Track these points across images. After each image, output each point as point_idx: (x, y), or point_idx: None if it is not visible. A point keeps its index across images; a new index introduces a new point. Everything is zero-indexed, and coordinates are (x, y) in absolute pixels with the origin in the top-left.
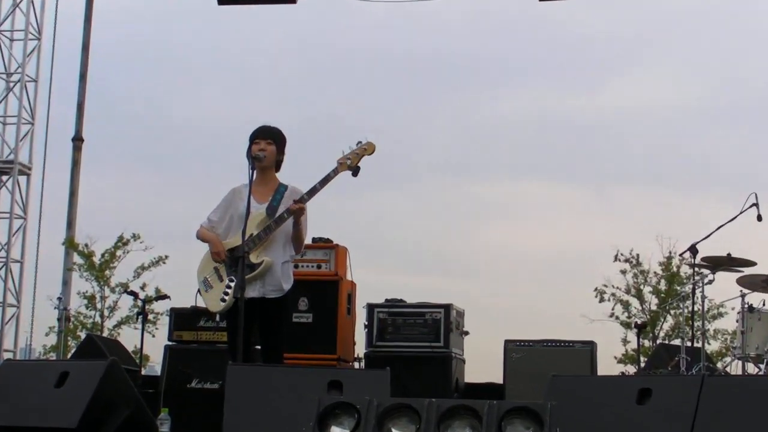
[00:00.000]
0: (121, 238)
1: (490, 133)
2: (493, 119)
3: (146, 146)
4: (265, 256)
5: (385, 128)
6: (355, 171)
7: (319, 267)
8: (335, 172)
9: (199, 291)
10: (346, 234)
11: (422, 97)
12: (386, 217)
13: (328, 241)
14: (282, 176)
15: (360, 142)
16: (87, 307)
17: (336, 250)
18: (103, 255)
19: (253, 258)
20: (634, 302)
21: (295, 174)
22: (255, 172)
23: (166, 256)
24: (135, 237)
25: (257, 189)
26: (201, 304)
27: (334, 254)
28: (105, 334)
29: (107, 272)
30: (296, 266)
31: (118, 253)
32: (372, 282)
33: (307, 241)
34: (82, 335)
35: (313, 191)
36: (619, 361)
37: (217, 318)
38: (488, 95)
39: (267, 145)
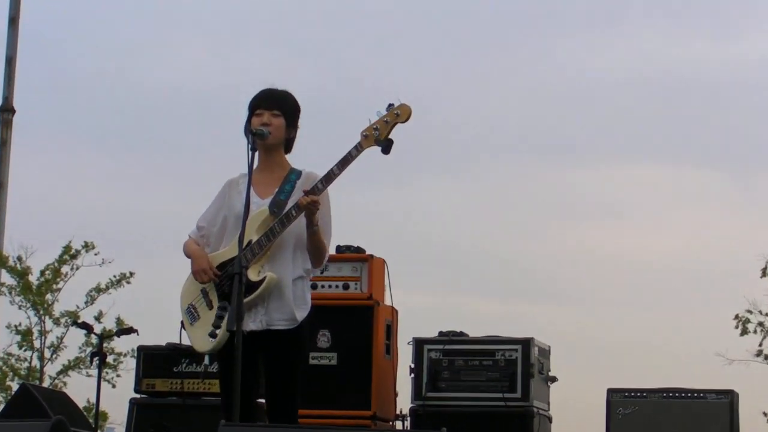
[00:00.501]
0: (67, 249)
1: (581, 96)
2: (583, 78)
3: (104, 120)
4: (269, 271)
5: (428, 92)
6: (386, 146)
7: (345, 287)
8: (358, 148)
9: (182, 323)
10: (384, 240)
11: (479, 49)
12: (438, 215)
13: (359, 250)
14: (295, 160)
15: (391, 105)
16: (20, 347)
17: (370, 264)
18: (42, 273)
19: (253, 274)
20: None
21: (307, 157)
22: (256, 154)
23: (131, 274)
24: (88, 247)
25: (260, 178)
26: (187, 341)
27: (366, 269)
28: (46, 383)
29: (48, 297)
30: (314, 286)
31: (64, 269)
32: (420, 307)
33: (331, 250)
34: (14, 385)
35: (329, 177)
36: None
37: (206, 360)
38: (575, 45)
39: (273, 116)
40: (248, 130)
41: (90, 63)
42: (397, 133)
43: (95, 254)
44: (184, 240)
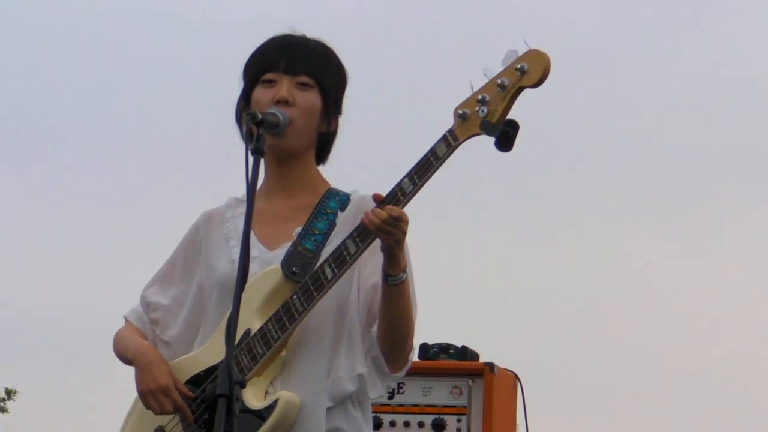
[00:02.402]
0: None
1: None
2: None
3: None
4: (284, 389)
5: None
6: (503, 133)
7: (439, 427)
8: (449, 142)
9: None
10: (509, 336)
11: None
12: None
13: (466, 353)
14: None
15: (512, 54)
16: None
17: (488, 381)
18: None
19: (254, 396)
20: None
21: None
22: (262, 162)
23: (10, 394)
24: None
25: (268, 209)
26: None
27: (480, 391)
28: None
29: None
30: (378, 424)
31: None
32: None
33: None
34: None
35: (394, 200)
36: None
37: None
38: None
39: (299, 88)
40: (247, 116)
41: None
42: (526, 110)
43: None
44: (118, 328)
